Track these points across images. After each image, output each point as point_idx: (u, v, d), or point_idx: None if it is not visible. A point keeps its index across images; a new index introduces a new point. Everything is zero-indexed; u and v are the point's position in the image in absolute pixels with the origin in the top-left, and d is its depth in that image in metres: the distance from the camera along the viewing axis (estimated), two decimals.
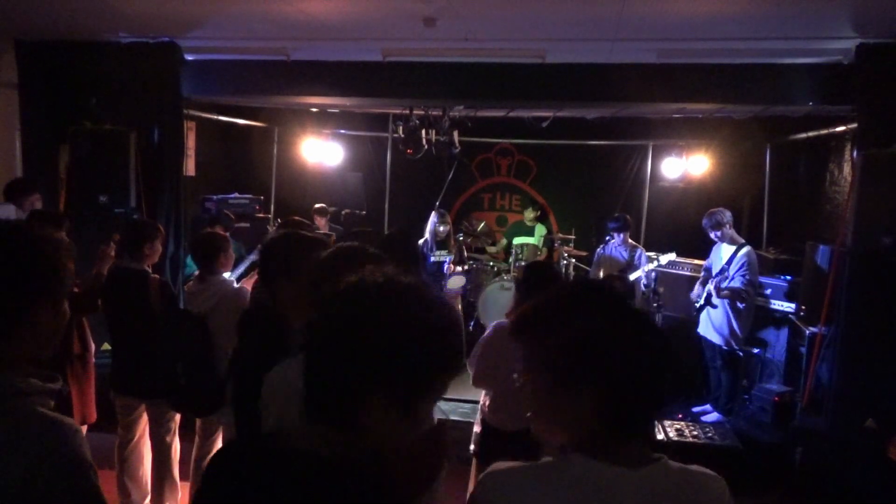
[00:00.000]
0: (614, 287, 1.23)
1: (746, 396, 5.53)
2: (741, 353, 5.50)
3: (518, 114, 6.68)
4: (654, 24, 4.44)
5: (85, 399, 3.76)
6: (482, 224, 8.06)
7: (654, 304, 5.29)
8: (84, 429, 3.84)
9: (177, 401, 3.54)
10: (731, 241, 5.40)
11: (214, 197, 6.88)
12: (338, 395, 1.03)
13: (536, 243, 7.50)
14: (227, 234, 5.57)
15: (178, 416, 3.77)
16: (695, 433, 4.64)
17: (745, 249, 5.29)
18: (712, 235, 5.46)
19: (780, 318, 5.54)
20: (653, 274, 5.92)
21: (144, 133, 5.41)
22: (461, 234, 7.37)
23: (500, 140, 8.38)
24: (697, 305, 5.51)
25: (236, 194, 7.23)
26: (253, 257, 4.85)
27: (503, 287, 6.73)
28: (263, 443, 1.11)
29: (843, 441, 4.21)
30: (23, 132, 5.60)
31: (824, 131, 5.74)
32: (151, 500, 3.76)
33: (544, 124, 6.64)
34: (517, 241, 7.44)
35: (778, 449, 4.74)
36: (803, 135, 6.13)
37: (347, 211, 7.99)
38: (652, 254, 6.22)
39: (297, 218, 3.89)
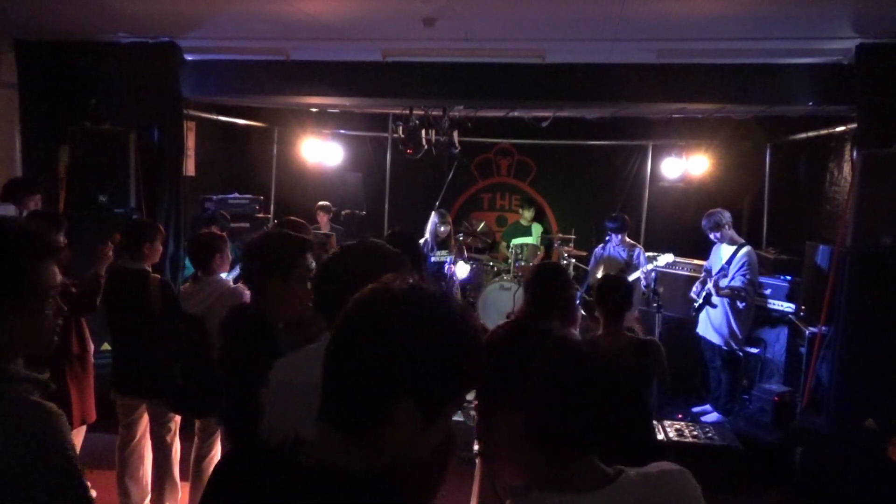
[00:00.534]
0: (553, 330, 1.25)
1: (746, 396, 5.53)
2: (741, 354, 5.50)
3: (518, 114, 6.68)
4: (654, 24, 4.44)
5: (84, 399, 3.75)
6: (482, 224, 8.06)
7: (654, 305, 5.29)
8: (84, 429, 3.85)
9: (174, 402, 3.54)
10: (731, 242, 5.39)
11: (214, 197, 6.88)
12: (362, 403, 0.99)
13: (535, 243, 7.50)
14: (224, 234, 5.57)
15: (178, 417, 3.77)
16: (695, 433, 4.64)
17: (745, 249, 5.29)
18: (711, 236, 5.46)
19: (779, 318, 5.54)
20: (652, 274, 5.93)
21: (144, 133, 5.41)
22: (461, 235, 7.36)
23: (499, 140, 8.38)
24: (696, 305, 5.51)
25: (236, 194, 7.23)
26: None
27: (503, 287, 6.73)
28: (274, 453, 1.07)
29: (842, 441, 4.21)
30: (22, 132, 5.59)
31: (824, 131, 5.74)
32: (152, 501, 3.76)
33: (544, 124, 6.64)
34: (516, 241, 7.45)
35: (778, 449, 4.74)
36: (803, 135, 6.13)
37: (347, 211, 7.98)
38: (651, 254, 6.23)
39: (293, 218, 3.86)
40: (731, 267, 5.26)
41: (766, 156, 6.86)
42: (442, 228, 6.68)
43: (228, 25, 4.95)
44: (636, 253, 6.27)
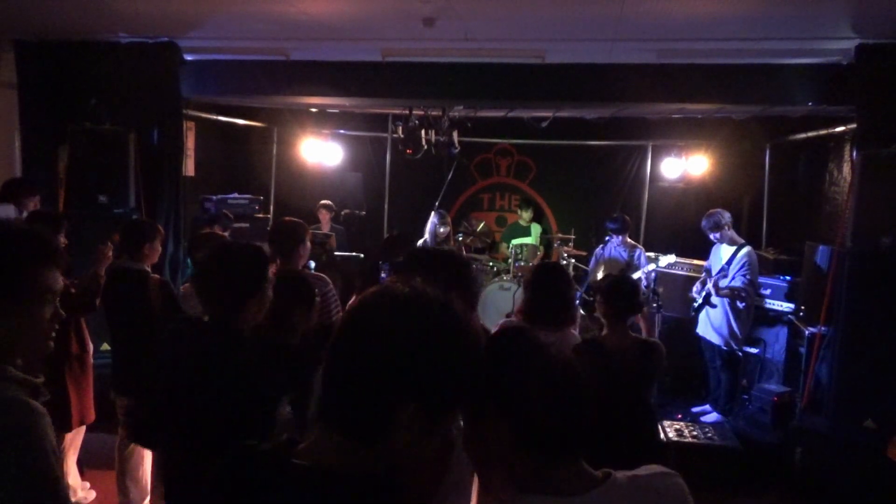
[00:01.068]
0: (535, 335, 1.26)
1: (746, 397, 5.53)
2: (740, 354, 5.50)
3: (517, 114, 6.67)
4: (654, 24, 4.44)
5: (83, 399, 3.75)
6: (482, 224, 8.06)
7: (654, 305, 5.29)
8: (83, 429, 3.85)
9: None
10: (731, 242, 5.39)
11: (214, 197, 6.87)
12: (366, 407, 0.98)
13: (535, 243, 7.51)
14: (226, 233, 5.57)
15: None
16: (694, 434, 4.64)
17: (745, 249, 5.29)
18: (711, 237, 5.46)
19: (779, 319, 5.54)
20: (652, 274, 5.93)
21: (144, 133, 5.41)
22: (461, 235, 7.36)
23: (499, 140, 8.38)
24: (696, 305, 5.51)
25: (236, 194, 7.22)
26: None
27: (502, 287, 6.73)
28: (268, 455, 1.05)
29: (842, 441, 4.21)
30: (22, 132, 5.59)
31: (824, 132, 5.74)
32: (152, 501, 3.75)
33: (544, 124, 6.64)
34: (515, 241, 7.45)
35: (777, 449, 4.74)
36: (803, 135, 6.13)
37: (347, 211, 7.98)
38: (652, 255, 6.23)
39: (288, 219, 3.77)
40: (732, 267, 5.26)
41: (765, 156, 6.86)
42: (441, 229, 6.67)
43: (228, 25, 4.95)
44: (637, 253, 6.28)
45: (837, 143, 5.83)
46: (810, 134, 6.00)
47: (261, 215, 7.39)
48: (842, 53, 4.76)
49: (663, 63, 5.16)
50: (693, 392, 5.82)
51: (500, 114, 6.79)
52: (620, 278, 3.35)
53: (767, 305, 5.55)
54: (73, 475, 3.89)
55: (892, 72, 4.46)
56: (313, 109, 7.66)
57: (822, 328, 4.64)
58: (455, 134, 6.40)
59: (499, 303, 6.61)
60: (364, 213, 8.16)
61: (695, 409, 5.52)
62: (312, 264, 4.78)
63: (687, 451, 4.46)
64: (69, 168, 5.41)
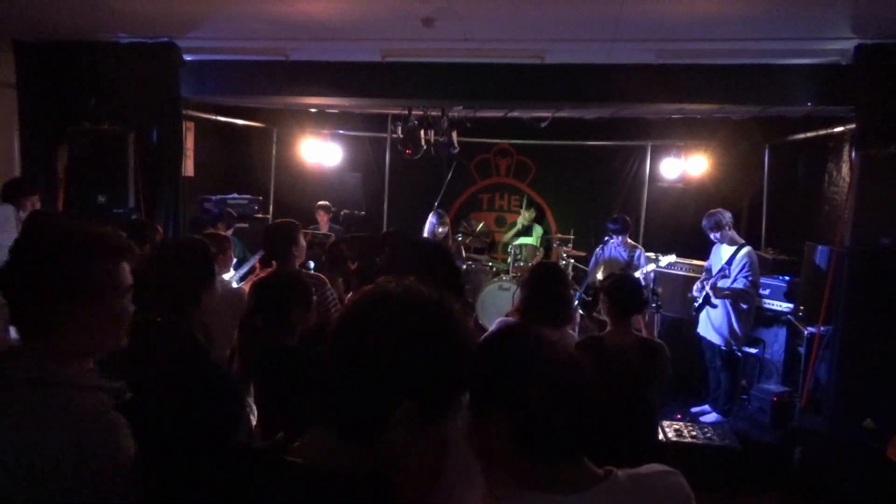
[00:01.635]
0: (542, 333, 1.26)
1: (745, 397, 5.53)
2: (740, 354, 5.50)
3: (517, 114, 6.68)
4: (654, 24, 4.44)
5: None
6: (481, 224, 8.06)
7: (654, 305, 5.29)
8: None
9: None
10: (731, 242, 5.39)
11: (213, 197, 6.88)
12: (363, 405, 0.98)
13: (535, 243, 7.51)
14: (230, 231, 5.57)
15: None
16: (694, 434, 4.64)
17: (745, 250, 5.28)
18: (712, 237, 5.45)
19: (778, 319, 5.55)
20: (652, 274, 5.93)
21: (143, 133, 5.41)
22: (460, 235, 7.36)
23: (498, 140, 8.38)
24: (696, 305, 5.51)
25: (235, 195, 7.23)
26: (256, 258, 4.85)
27: (501, 287, 6.73)
28: (262, 454, 1.04)
29: (842, 441, 4.21)
30: (21, 132, 5.59)
31: (823, 132, 5.74)
32: None
33: (543, 125, 6.64)
34: (515, 241, 7.45)
35: (777, 449, 4.74)
36: (802, 135, 6.13)
37: (346, 211, 7.99)
38: (652, 255, 6.23)
39: (282, 220, 3.77)
40: (732, 267, 5.26)
41: (764, 156, 6.87)
42: (440, 229, 6.68)
43: (227, 25, 4.95)
44: (637, 254, 6.28)
45: (837, 143, 5.83)
46: (809, 134, 6.00)
47: (260, 215, 7.40)
48: (841, 54, 4.76)
49: (662, 63, 5.16)
50: (693, 392, 5.82)
51: (500, 114, 6.79)
52: (624, 276, 3.36)
53: (766, 305, 5.55)
54: None
55: (892, 72, 4.46)
56: (312, 110, 7.66)
57: (822, 328, 4.64)
58: (454, 134, 6.40)
59: (498, 303, 6.62)
60: (363, 213, 8.16)
61: (694, 409, 5.52)
62: (312, 265, 4.78)
63: (686, 451, 4.46)
64: (68, 168, 5.42)
